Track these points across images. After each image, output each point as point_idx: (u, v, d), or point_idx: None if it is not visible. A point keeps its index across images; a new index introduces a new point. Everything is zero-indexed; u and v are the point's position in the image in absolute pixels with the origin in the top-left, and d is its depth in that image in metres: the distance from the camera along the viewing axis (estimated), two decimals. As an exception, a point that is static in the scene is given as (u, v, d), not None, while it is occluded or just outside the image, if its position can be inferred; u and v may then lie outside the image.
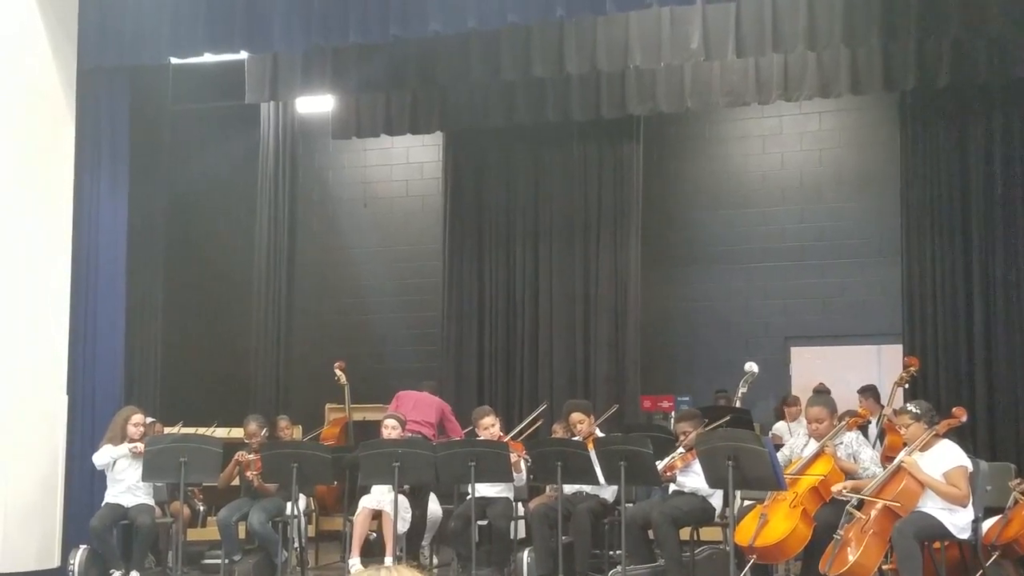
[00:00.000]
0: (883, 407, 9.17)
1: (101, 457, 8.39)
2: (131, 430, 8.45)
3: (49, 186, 8.75)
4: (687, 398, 11.77)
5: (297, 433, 10.71)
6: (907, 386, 8.58)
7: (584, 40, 9.36)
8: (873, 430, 9.14)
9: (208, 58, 9.48)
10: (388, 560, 8.03)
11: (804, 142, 12.43)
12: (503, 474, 7.99)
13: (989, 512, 7.21)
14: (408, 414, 9.55)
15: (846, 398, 9.46)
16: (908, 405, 7.08)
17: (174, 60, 9.50)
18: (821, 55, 9.77)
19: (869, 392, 9.86)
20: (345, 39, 8.58)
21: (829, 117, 12.30)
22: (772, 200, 12.45)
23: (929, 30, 8.88)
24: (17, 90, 8.55)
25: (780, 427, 10.60)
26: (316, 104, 12.33)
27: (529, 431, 9.43)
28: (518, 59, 9.60)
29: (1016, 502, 7.22)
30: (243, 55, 9.79)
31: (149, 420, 9.10)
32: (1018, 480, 7.36)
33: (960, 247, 10.57)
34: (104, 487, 8.50)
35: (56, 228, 8.79)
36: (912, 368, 8.60)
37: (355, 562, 8.17)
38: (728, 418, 8.27)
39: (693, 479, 7.61)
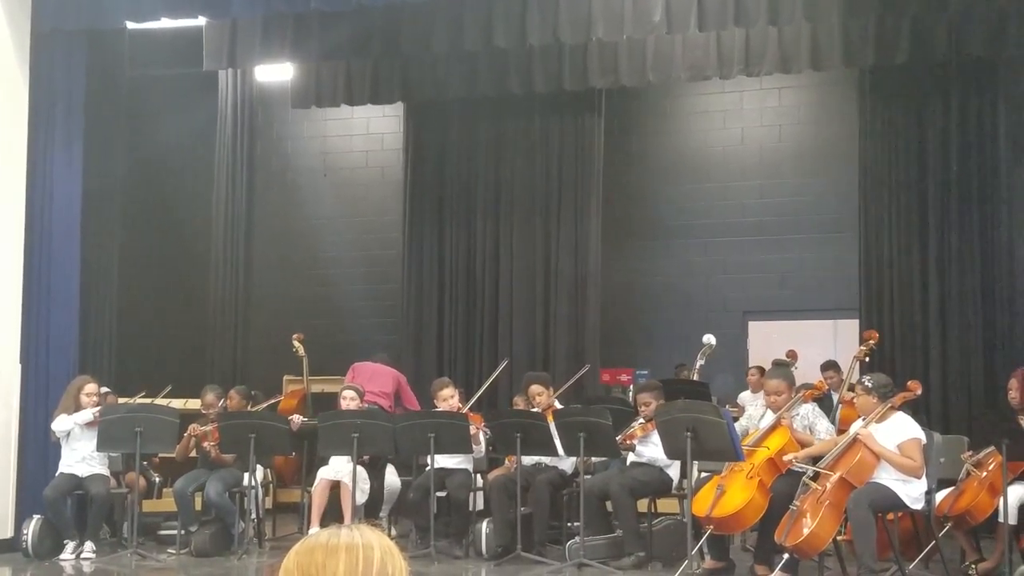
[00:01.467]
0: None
1: (63, 423, 8.28)
2: (84, 400, 8.35)
3: (1, 152, 8.59)
4: (646, 371, 11.82)
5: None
6: (867, 359, 8.65)
7: (546, 11, 9.31)
8: (835, 402, 9.22)
9: (166, 23, 9.34)
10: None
11: (764, 118, 12.47)
12: (462, 445, 8.01)
13: (942, 484, 7.31)
14: (365, 385, 9.53)
15: (803, 372, 9.55)
16: (863, 377, 7.17)
17: (131, 24, 9.36)
18: (782, 30, 9.80)
19: (831, 367, 9.97)
20: (307, 5, 8.52)
21: (789, 93, 12.35)
22: (732, 175, 12.50)
23: (889, 7, 8.94)
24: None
25: (744, 396, 10.69)
26: (275, 72, 12.20)
27: (489, 391, 9.45)
28: (480, 29, 9.53)
29: (968, 474, 7.31)
30: (201, 21, 9.66)
31: (103, 390, 9.01)
32: (970, 452, 7.46)
33: (916, 224, 10.67)
34: (58, 457, 8.41)
35: (9, 195, 8.65)
36: (872, 341, 8.66)
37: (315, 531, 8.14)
38: (678, 390, 8.30)
39: (651, 449, 7.66)
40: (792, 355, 10.15)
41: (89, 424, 8.25)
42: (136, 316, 11.56)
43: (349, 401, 8.67)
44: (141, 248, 11.85)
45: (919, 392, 7.33)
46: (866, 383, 6.97)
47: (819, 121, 12.32)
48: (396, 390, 10.13)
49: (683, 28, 9.20)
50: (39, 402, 8.72)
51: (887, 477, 6.71)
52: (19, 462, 8.59)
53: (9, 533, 8.44)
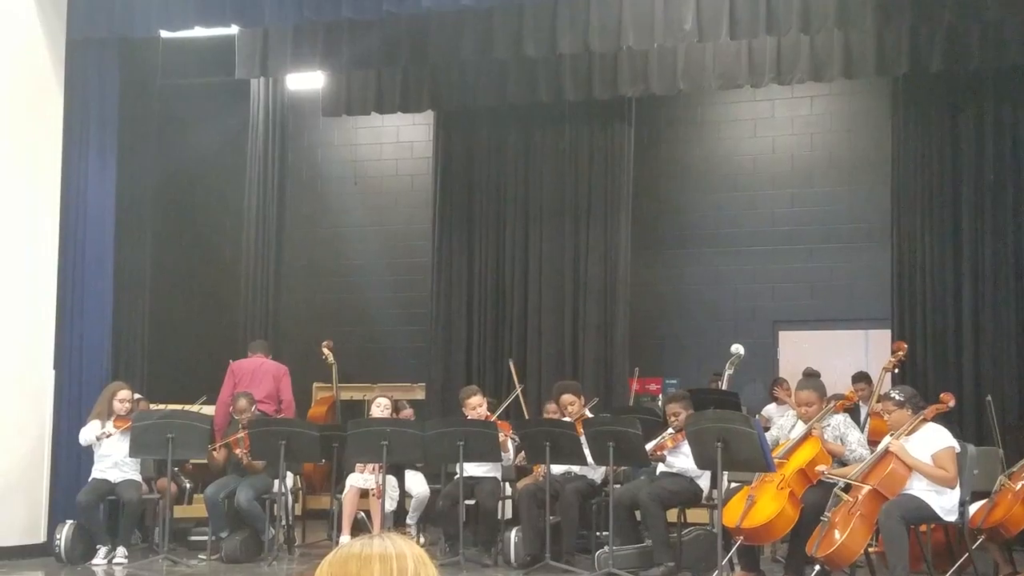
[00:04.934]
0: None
1: (84, 435, 8.39)
2: (117, 406, 8.42)
3: (36, 159, 8.69)
4: (675, 381, 11.79)
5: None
6: (896, 371, 8.57)
7: (577, 20, 9.31)
8: (864, 413, 9.15)
9: (199, 32, 9.42)
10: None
11: (795, 126, 12.41)
12: (491, 454, 8.01)
13: (975, 496, 7.25)
14: (248, 387, 9.41)
15: (833, 382, 9.47)
16: (891, 391, 7.08)
17: (164, 33, 9.44)
18: (814, 39, 9.74)
19: (862, 379, 9.89)
20: (337, 14, 8.55)
21: (821, 101, 12.28)
22: (762, 184, 12.44)
23: (923, 15, 8.88)
24: (4, 60, 8.47)
25: (770, 409, 10.62)
26: (306, 81, 12.27)
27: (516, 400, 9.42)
28: (511, 38, 9.55)
29: (1002, 486, 7.24)
30: (234, 29, 9.73)
31: (136, 396, 9.07)
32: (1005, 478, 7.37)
33: (950, 233, 10.58)
34: (91, 462, 8.48)
35: (44, 203, 8.73)
36: (900, 352, 8.59)
37: (346, 539, 8.17)
38: (707, 400, 8.26)
39: (682, 460, 7.63)
40: (812, 371, 10.08)
41: (122, 430, 8.32)
42: (167, 323, 11.63)
43: (383, 409, 8.70)
44: (172, 255, 11.92)
45: (952, 404, 7.26)
46: (897, 396, 6.89)
47: (851, 130, 12.24)
48: (278, 388, 9.79)
49: (714, 36, 9.17)
50: (72, 408, 8.79)
51: (920, 488, 6.65)
52: (52, 468, 8.67)
53: (42, 538, 8.51)
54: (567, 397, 8.51)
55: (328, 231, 13.64)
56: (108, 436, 8.33)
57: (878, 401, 8.14)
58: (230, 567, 8.15)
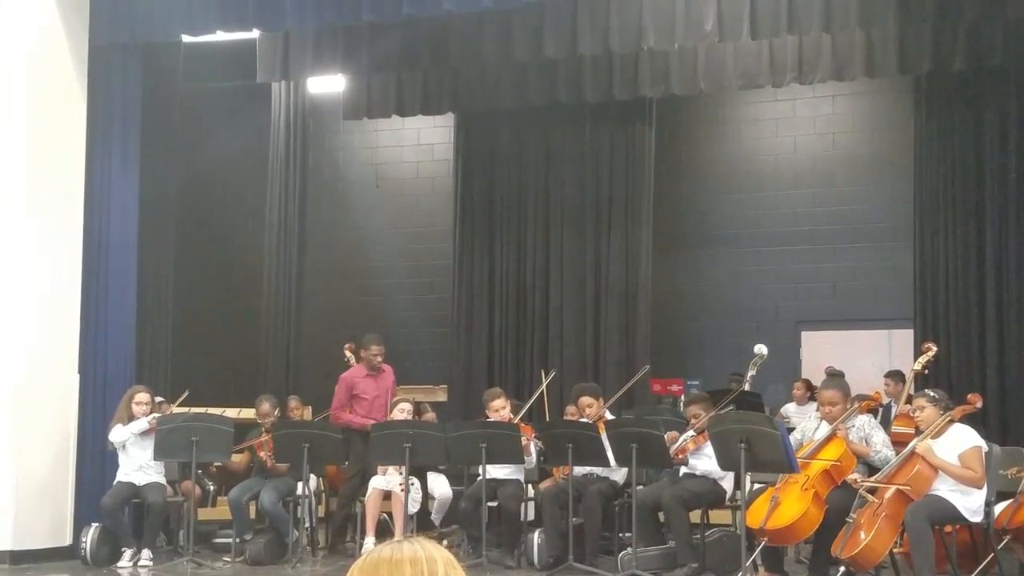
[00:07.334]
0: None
1: (119, 434, 8.38)
2: (135, 409, 8.43)
3: (60, 164, 8.74)
4: (697, 382, 11.75)
5: (307, 414, 10.71)
6: (926, 372, 8.50)
7: (597, 21, 9.30)
8: (893, 412, 9.09)
9: (220, 36, 9.46)
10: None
11: (817, 126, 12.37)
12: (514, 456, 8.01)
13: (1001, 496, 7.20)
14: None
15: (856, 382, 9.40)
16: (927, 389, 7.07)
17: (186, 38, 9.49)
18: (836, 38, 9.71)
19: (896, 376, 9.83)
20: (358, 17, 8.58)
21: (843, 101, 12.23)
22: (784, 184, 12.40)
23: (945, 13, 8.83)
24: (28, 65, 8.53)
25: (789, 408, 10.57)
26: (327, 84, 12.31)
27: (539, 401, 9.39)
28: (531, 40, 9.55)
29: (1028, 486, 7.19)
30: (255, 33, 9.77)
31: (158, 399, 9.11)
32: (1015, 469, 7.32)
33: (973, 232, 10.51)
34: (116, 466, 8.52)
35: (67, 207, 8.79)
36: (930, 353, 8.51)
37: (370, 541, 8.20)
38: (731, 401, 8.22)
39: (705, 462, 7.61)
40: (835, 371, 10.02)
41: (145, 432, 8.35)
42: (190, 326, 11.68)
43: (406, 415, 8.73)
44: (195, 258, 11.96)
45: (979, 405, 7.23)
46: (932, 394, 6.88)
47: (873, 129, 12.19)
48: None
49: (735, 36, 9.15)
50: (97, 411, 8.84)
51: (945, 489, 6.62)
52: (77, 471, 8.71)
53: (68, 541, 8.55)
54: (585, 399, 8.50)
55: (349, 234, 13.67)
56: (142, 430, 8.29)
57: (907, 402, 8.11)
58: (254, 569, 8.18)
